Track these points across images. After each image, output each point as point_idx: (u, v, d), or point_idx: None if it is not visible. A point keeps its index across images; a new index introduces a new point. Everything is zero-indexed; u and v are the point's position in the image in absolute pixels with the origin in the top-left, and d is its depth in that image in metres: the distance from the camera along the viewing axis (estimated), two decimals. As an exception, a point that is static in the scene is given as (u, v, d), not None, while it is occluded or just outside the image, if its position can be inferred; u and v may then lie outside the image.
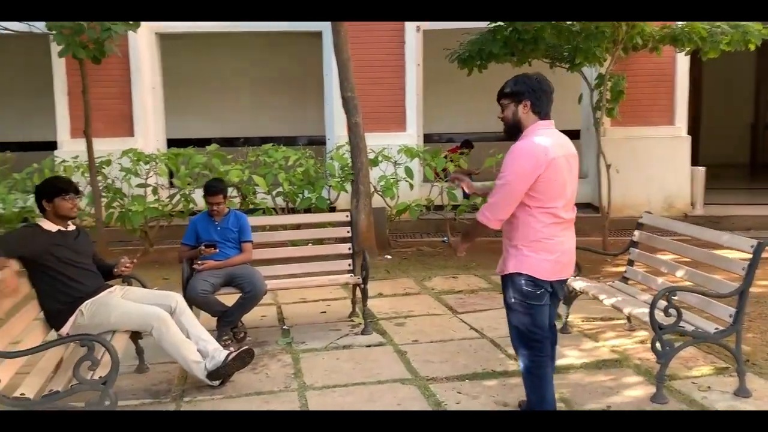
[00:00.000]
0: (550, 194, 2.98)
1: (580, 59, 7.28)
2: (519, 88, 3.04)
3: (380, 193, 8.02)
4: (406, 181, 8.20)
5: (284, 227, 5.72)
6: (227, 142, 10.49)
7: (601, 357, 4.40)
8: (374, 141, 8.60)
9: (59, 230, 3.79)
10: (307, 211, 8.09)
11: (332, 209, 8.17)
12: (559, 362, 3.94)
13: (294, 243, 5.90)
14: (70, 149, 9.03)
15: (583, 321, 5.14)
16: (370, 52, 9.53)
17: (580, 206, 5.29)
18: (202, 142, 9.35)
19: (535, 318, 3.13)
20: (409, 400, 3.79)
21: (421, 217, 8.22)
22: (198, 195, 7.99)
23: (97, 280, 3.90)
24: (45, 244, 3.66)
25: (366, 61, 9.68)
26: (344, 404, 3.74)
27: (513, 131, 3.10)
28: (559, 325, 4.88)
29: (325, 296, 5.96)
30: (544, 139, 2.98)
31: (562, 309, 4.84)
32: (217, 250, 4.74)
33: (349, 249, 5.26)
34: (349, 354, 4.57)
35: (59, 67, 9.12)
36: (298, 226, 5.43)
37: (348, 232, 5.32)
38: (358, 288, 5.18)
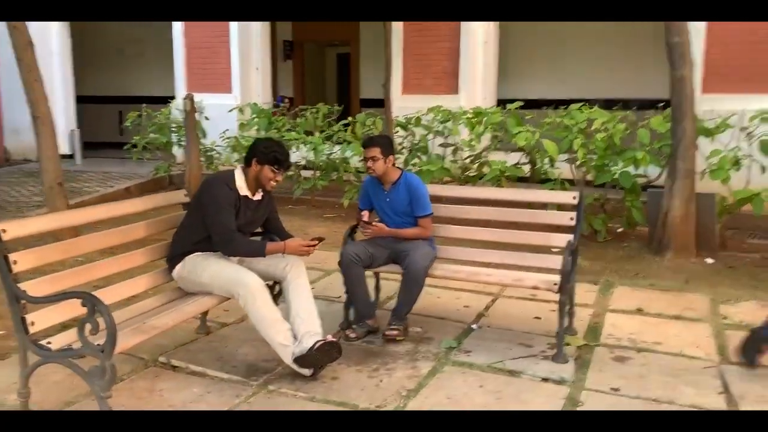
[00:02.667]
0: None
1: None
2: None
3: (708, 173, 5.94)
4: (756, 161, 5.91)
5: (487, 203, 4.51)
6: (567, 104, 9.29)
7: None
8: (721, 105, 6.47)
9: (245, 196, 3.51)
10: (612, 187, 6.57)
11: (645, 188, 6.43)
12: None
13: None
14: (400, 105, 9.16)
15: None
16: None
17: None
18: (540, 104, 8.41)
19: None
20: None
21: (774, 212, 5.86)
22: (493, 157, 7.25)
23: None
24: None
25: None
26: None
27: None
28: None
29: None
30: None
31: None
32: (374, 222, 3.97)
33: (571, 242, 3.86)
34: (503, 383, 3.36)
35: (397, 25, 9.23)
36: (508, 204, 4.23)
37: (572, 219, 3.92)
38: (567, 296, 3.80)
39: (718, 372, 3.50)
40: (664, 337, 4.00)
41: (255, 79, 10.58)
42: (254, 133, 8.65)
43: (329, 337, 3.32)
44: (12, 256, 2.77)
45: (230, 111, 9.33)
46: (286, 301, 3.45)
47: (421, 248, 3.90)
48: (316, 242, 3.49)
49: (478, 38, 9.02)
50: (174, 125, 9.36)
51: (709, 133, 6.09)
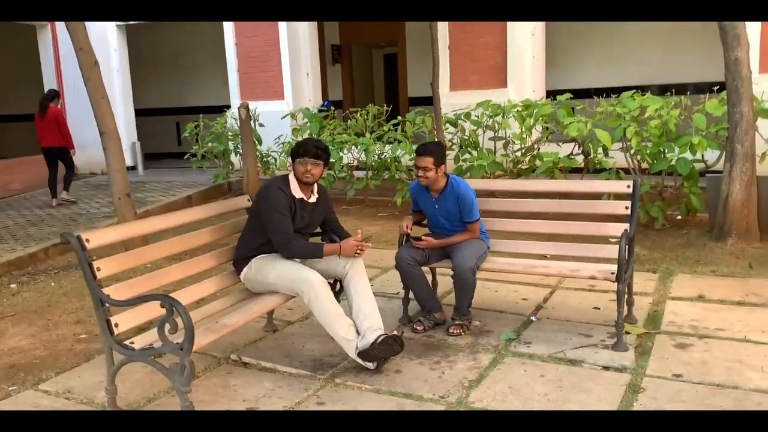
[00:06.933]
0: None
1: None
2: None
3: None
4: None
5: (541, 195, 4.49)
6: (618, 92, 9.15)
7: None
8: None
9: (301, 199, 3.63)
10: (669, 174, 6.49)
11: (703, 174, 6.32)
12: None
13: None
14: (448, 102, 9.21)
15: None
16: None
17: None
18: (590, 93, 8.32)
19: None
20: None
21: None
22: (545, 150, 7.24)
23: None
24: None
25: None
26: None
27: None
28: None
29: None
30: None
31: None
32: (423, 237, 4.05)
33: (627, 231, 3.86)
34: (564, 372, 3.40)
35: (443, 23, 9.27)
36: (562, 195, 4.26)
37: (627, 208, 3.92)
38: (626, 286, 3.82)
39: (784, 356, 3.46)
40: (727, 323, 3.96)
41: (306, 84, 10.81)
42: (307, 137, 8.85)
43: (394, 332, 3.43)
44: (96, 264, 2.98)
45: (283, 117, 9.57)
46: (347, 298, 3.58)
47: (469, 247, 3.96)
48: (363, 245, 3.61)
49: (526, 30, 8.99)
50: (230, 134, 9.66)
51: (765, 113, 5.95)
